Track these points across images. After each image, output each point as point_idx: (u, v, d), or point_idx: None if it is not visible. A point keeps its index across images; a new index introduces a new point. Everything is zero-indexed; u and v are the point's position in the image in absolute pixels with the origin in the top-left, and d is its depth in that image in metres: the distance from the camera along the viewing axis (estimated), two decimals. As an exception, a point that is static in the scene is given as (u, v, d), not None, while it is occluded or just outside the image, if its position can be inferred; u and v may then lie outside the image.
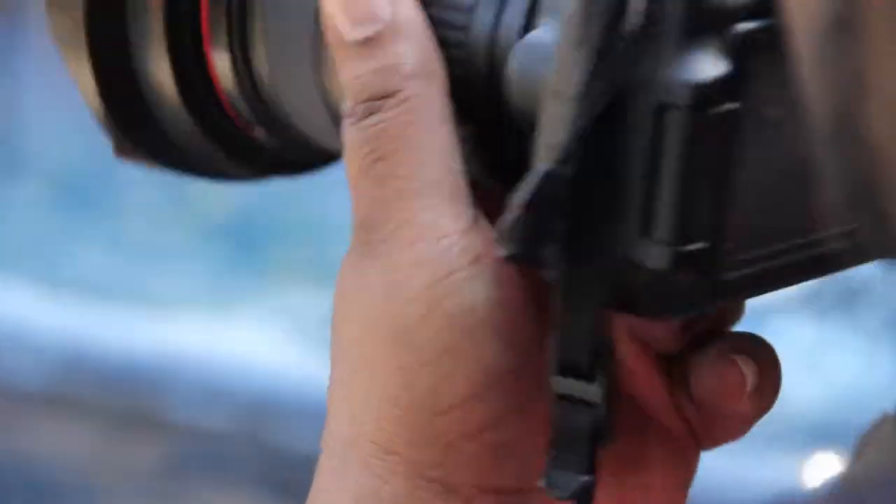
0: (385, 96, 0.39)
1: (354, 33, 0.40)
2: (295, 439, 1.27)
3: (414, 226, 0.39)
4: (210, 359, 1.30)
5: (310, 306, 1.45)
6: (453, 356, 0.38)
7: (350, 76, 0.39)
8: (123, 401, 1.30)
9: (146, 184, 1.92)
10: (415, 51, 0.39)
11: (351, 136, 0.39)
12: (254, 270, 1.76)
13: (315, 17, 0.41)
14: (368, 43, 0.39)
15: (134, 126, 0.44)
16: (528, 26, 0.38)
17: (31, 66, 2.13)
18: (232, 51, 0.43)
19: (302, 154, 0.45)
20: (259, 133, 0.44)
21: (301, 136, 0.44)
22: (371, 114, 0.39)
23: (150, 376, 1.30)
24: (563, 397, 0.36)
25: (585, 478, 0.36)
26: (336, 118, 0.41)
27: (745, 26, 0.35)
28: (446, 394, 0.38)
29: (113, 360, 1.31)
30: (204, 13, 0.43)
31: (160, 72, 0.44)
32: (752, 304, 0.38)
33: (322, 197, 1.89)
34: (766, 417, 0.38)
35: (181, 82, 0.43)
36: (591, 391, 0.36)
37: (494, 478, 0.37)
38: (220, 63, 0.43)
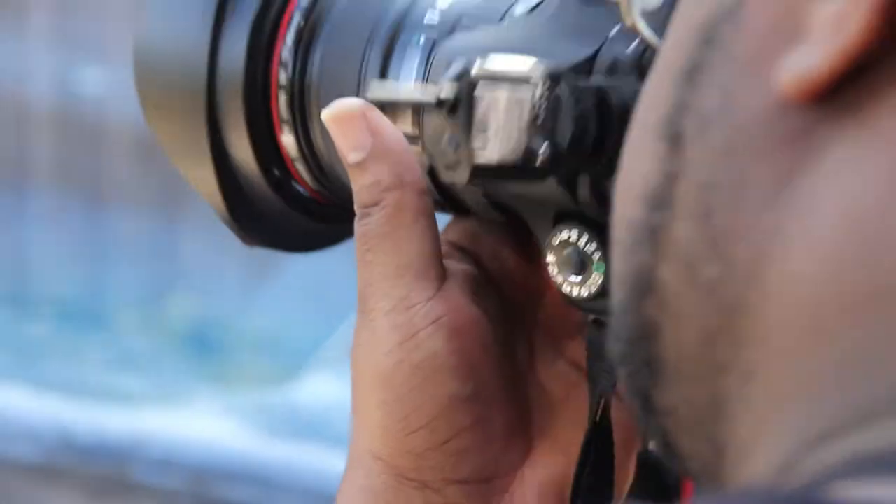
0: (372, 205, 0.40)
1: (350, 157, 0.39)
2: (234, 495, 1.27)
3: (390, 299, 0.39)
4: (169, 439, 1.29)
5: (251, 402, 1.44)
6: (420, 392, 0.39)
7: (353, 187, 0.39)
8: (102, 470, 1.29)
9: (126, 306, 1.91)
10: (391, 168, 0.39)
11: (356, 230, 0.39)
12: (210, 374, 1.74)
13: (361, 91, 0.41)
14: (359, 165, 0.39)
15: (242, 214, 0.43)
16: None
17: (35, 223, 2.13)
18: (296, 131, 0.42)
19: (334, 191, 0.43)
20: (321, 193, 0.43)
21: (334, 174, 0.42)
22: (364, 217, 0.39)
23: (123, 452, 1.28)
24: None
25: None
26: None
27: None
28: (414, 420, 0.39)
29: (94, 440, 1.29)
30: (274, 107, 0.42)
31: (244, 157, 0.42)
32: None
33: (270, 316, 1.84)
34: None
35: (259, 156, 0.42)
36: None
37: (457, 474, 0.38)
38: (288, 142, 0.42)
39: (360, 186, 0.39)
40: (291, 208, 0.43)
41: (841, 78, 0.22)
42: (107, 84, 2.20)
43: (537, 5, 0.38)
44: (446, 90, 0.34)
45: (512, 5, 0.39)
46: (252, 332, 1.78)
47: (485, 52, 0.35)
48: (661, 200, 0.25)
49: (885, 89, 0.22)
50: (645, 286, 0.26)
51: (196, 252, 1.96)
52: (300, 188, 0.42)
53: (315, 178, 0.42)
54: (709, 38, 0.25)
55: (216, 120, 0.41)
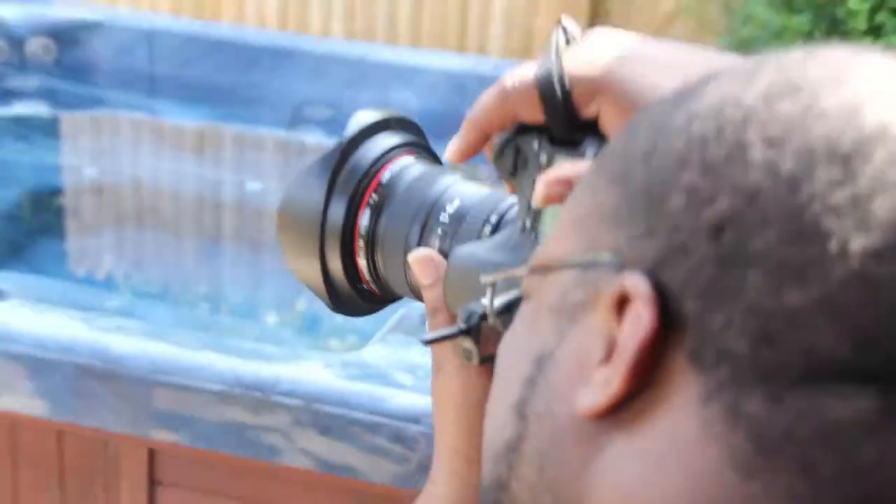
0: (434, 311, 0.37)
1: (423, 282, 0.37)
2: (330, 411, 1.23)
3: (453, 362, 0.36)
4: (292, 380, 1.19)
5: (338, 360, 1.42)
6: (475, 414, 0.36)
7: (424, 298, 0.37)
8: (256, 397, 1.18)
9: (269, 307, 1.88)
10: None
11: (427, 323, 0.38)
12: (315, 345, 1.70)
13: (404, 252, 0.39)
14: (429, 286, 0.37)
15: (334, 294, 0.41)
16: None
17: (222, 261, 2.09)
18: (367, 259, 0.40)
19: (392, 297, 0.42)
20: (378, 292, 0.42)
21: (394, 292, 0.41)
22: (432, 317, 0.37)
23: (267, 387, 1.19)
24: None
25: None
26: (412, 289, 0.39)
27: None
28: (475, 429, 0.36)
29: (252, 380, 1.20)
30: (356, 245, 0.40)
31: (337, 269, 0.41)
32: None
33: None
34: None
35: (346, 272, 0.40)
36: None
37: None
38: (363, 265, 0.40)
39: (429, 298, 0.37)
40: (359, 297, 0.41)
41: (610, 411, 0.21)
42: (262, 188, 2.18)
43: (499, 221, 0.37)
44: (463, 326, 0.33)
45: (490, 213, 0.37)
46: (340, 321, 1.77)
47: (475, 267, 0.34)
48: (513, 447, 0.24)
49: (640, 416, 0.21)
50: (502, 488, 0.24)
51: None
52: (364, 287, 0.41)
53: (374, 282, 0.40)
54: (539, 363, 0.24)
55: (323, 250, 0.40)
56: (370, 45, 2.18)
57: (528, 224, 0.32)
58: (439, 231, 0.38)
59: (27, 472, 1.31)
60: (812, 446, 0.18)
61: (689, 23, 2.00)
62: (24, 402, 1.24)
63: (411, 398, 1.09)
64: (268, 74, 2.11)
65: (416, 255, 0.37)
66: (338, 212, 0.39)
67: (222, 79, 2.15)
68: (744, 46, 1.77)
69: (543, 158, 0.31)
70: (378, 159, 0.39)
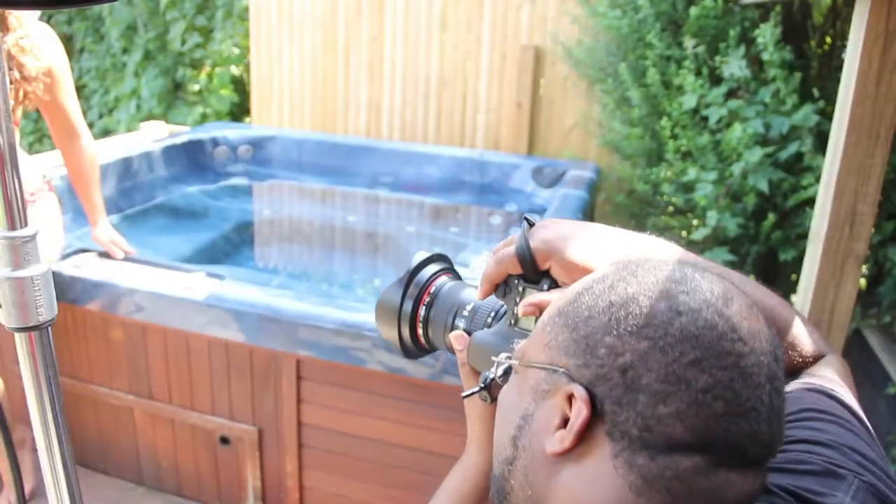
0: (462, 365, 0.33)
1: (456, 347, 0.33)
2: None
3: (474, 398, 0.32)
4: (371, 320, 1.07)
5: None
6: (488, 422, 0.32)
7: (457, 356, 0.33)
8: (353, 332, 1.11)
9: (356, 285, 1.81)
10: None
11: (460, 371, 0.34)
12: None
13: (443, 329, 0.35)
14: (459, 351, 0.32)
15: (405, 349, 0.38)
16: None
17: (332, 264, 2.02)
18: (424, 331, 0.36)
19: (435, 349, 0.37)
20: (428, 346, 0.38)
21: (437, 347, 0.37)
22: (462, 368, 0.34)
23: (360, 326, 1.12)
24: None
25: None
26: (448, 348, 0.35)
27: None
28: (487, 427, 0.32)
29: (351, 321, 1.12)
30: (417, 324, 0.36)
31: (410, 336, 0.37)
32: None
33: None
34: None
35: (411, 338, 0.37)
36: None
37: None
38: (421, 334, 0.37)
39: (459, 357, 0.34)
40: (418, 350, 0.38)
41: (563, 454, 0.21)
42: (356, 219, 2.13)
43: (495, 316, 0.34)
44: (482, 385, 0.30)
45: (491, 311, 0.35)
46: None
47: (488, 347, 0.32)
48: (510, 461, 0.23)
49: (579, 458, 0.21)
50: (504, 479, 0.23)
51: (384, 268, 1.87)
52: (420, 345, 0.38)
53: (426, 342, 0.38)
54: (524, 418, 0.23)
55: (399, 327, 0.37)
56: (413, 143, 2.22)
57: (512, 322, 0.32)
58: (463, 319, 0.36)
59: (235, 372, 1.38)
60: (672, 481, 0.21)
61: (581, 132, 1.96)
62: (232, 334, 1.32)
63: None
64: (359, 160, 2.21)
65: (454, 334, 0.35)
66: (408, 307, 0.37)
67: (336, 163, 2.25)
68: (610, 143, 1.82)
69: (520, 289, 0.32)
70: (429, 279, 0.37)
